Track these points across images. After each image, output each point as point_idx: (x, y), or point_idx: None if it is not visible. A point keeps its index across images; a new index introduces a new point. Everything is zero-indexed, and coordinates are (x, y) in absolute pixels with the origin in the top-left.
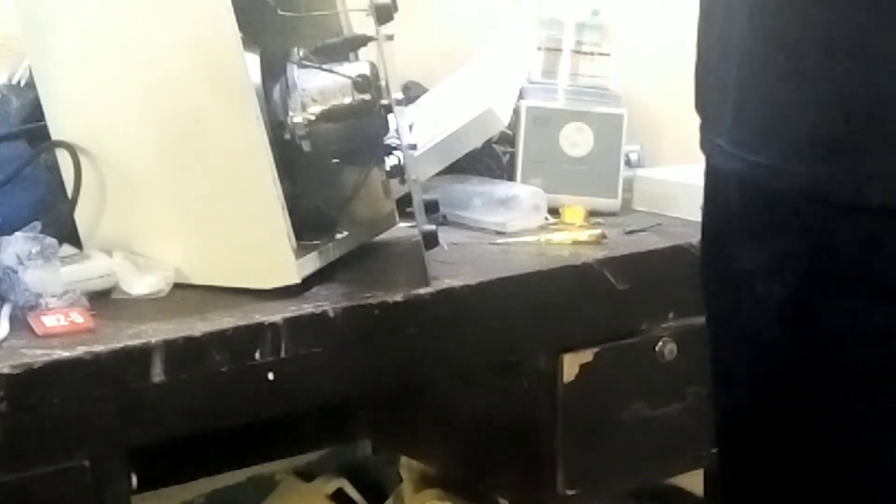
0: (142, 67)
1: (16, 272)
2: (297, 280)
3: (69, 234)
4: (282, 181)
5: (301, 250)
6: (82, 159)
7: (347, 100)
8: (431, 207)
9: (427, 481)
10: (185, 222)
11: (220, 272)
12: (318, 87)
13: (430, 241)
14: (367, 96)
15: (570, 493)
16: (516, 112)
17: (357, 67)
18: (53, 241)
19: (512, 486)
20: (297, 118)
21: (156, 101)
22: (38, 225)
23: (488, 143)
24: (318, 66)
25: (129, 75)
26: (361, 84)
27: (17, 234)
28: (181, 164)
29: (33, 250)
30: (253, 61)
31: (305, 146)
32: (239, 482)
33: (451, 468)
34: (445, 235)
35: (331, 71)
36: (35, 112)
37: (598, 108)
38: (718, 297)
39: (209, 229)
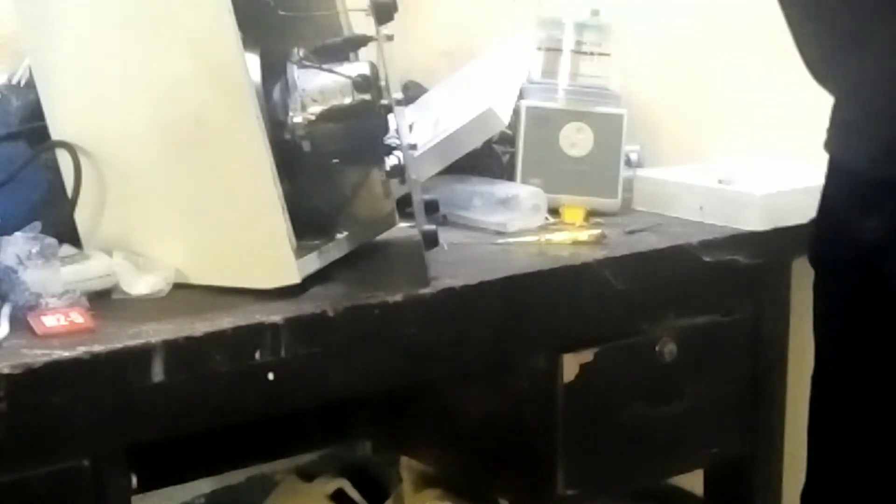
0: (142, 67)
1: (16, 272)
2: (297, 280)
3: (69, 234)
4: (282, 181)
5: (301, 250)
6: (82, 159)
7: (347, 100)
8: (431, 207)
9: (427, 481)
10: (185, 222)
11: (220, 272)
12: (318, 87)
13: (430, 241)
14: (367, 96)
15: (570, 493)
16: (516, 112)
17: (357, 67)
18: (53, 241)
19: (512, 486)
20: (297, 118)
21: (156, 101)
22: (38, 225)
23: (488, 143)
24: (318, 66)
25: (129, 75)
26: (361, 84)
27: (17, 234)
28: (181, 164)
29: (33, 250)
30: (253, 61)
31: (305, 146)
32: (239, 482)
33: (451, 468)
34: (445, 235)
35: (331, 71)
36: (35, 112)
37: (598, 108)
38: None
39: (209, 229)
